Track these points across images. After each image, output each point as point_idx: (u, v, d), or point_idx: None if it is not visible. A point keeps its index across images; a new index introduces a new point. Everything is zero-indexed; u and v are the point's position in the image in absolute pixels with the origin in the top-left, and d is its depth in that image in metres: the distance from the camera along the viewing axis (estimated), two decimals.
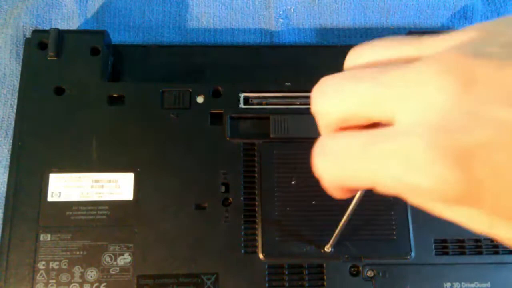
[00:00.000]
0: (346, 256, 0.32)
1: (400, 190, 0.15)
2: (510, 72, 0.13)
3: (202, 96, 0.35)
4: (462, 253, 0.33)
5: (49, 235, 0.32)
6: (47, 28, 0.37)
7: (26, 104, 0.34)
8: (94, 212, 0.33)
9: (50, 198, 0.33)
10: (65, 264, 0.31)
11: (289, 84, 0.36)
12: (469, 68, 0.13)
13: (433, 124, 0.13)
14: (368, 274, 0.32)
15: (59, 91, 0.35)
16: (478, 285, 0.32)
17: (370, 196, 0.33)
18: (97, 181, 0.33)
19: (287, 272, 0.32)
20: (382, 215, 0.33)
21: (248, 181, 0.33)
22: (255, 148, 0.34)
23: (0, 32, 0.41)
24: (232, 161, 0.34)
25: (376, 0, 0.42)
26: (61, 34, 0.36)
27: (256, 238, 0.32)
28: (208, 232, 0.32)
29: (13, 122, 0.35)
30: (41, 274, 0.31)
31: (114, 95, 0.35)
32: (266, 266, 0.32)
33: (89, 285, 0.31)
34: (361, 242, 0.32)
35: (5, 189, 0.33)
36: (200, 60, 0.38)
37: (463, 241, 0.33)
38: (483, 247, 0.33)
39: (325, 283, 0.32)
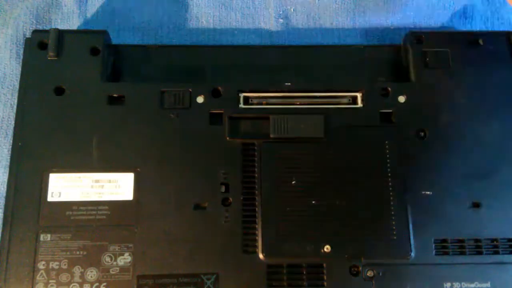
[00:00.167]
0: (346, 256, 0.32)
1: None
2: None
3: (202, 96, 0.35)
4: (462, 253, 0.33)
5: (49, 235, 0.32)
6: (47, 28, 0.37)
7: (26, 104, 0.34)
8: (94, 212, 0.33)
9: (50, 198, 0.33)
10: (65, 264, 0.32)
11: (289, 84, 0.36)
12: None
13: None
14: (368, 274, 0.32)
15: (59, 91, 0.35)
16: (478, 285, 0.32)
17: (370, 196, 0.33)
18: (97, 181, 0.33)
19: (287, 272, 0.32)
20: (382, 215, 0.33)
21: (248, 181, 0.34)
22: (255, 148, 0.34)
23: (0, 32, 0.41)
24: (232, 161, 0.34)
25: (376, 0, 0.42)
26: (61, 34, 0.36)
27: (256, 238, 0.32)
28: (208, 232, 0.32)
29: (13, 122, 0.35)
30: (41, 274, 0.31)
31: (114, 95, 0.35)
32: (266, 266, 0.32)
33: (89, 285, 0.31)
34: (361, 242, 0.32)
35: (5, 189, 0.33)
36: (200, 60, 0.38)
37: (463, 241, 0.33)
38: (483, 247, 0.33)
39: (325, 283, 0.32)
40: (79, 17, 0.41)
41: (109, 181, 0.33)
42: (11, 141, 0.35)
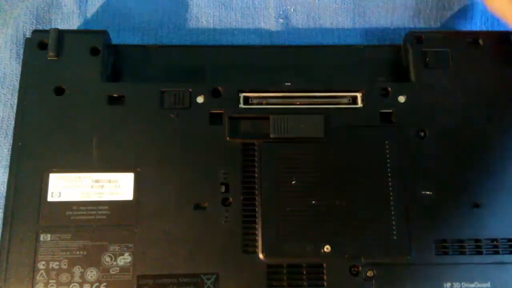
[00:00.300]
0: (346, 256, 0.32)
1: None
2: None
3: (202, 96, 0.35)
4: (462, 253, 0.33)
5: (49, 235, 0.32)
6: (47, 28, 0.37)
7: (26, 104, 0.34)
8: (94, 212, 0.33)
9: (50, 198, 0.33)
10: (65, 264, 0.32)
11: (289, 84, 0.36)
12: None
13: None
14: (368, 274, 0.32)
15: (59, 91, 0.35)
16: (478, 285, 0.32)
17: (370, 196, 0.33)
18: (97, 181, 0.33)
19: (287, 272, 0.32)
20: (382, 215, 0.33)
21: (248, 181, 0.34)
22: (255, 148, 0.34)
23: (0, 32, 0.41)
24: (232, 161, 0.34)
25: (376, 0, 0.42)
26: (61, 34, 0.36)
27: (256, 238, 0.32)
28: (208, 232, 0.32)
29: (13, 122, 0.35)
30: (41, 274, 0.31)
31: (114, 95, 0.35)
32: (266, 266, 0.32)
33: (89, 285, 0.31)
34: (361, 242, 0.32)
35: (5, 189, 0.33)
36: (200, 60, 0.38)
37: (463, 241, 0.33)
38: (483, 247, 0.33)
39: (325, 283, 0.32)
40: (79, 17, 0.41)
41: (109, 181, 0.33)
42: (11, 141, 0.35)
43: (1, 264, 0.31)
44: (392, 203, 0.33)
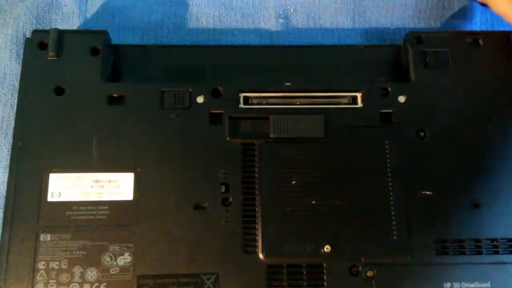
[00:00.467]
0: (346, 256, 0.32)
1: None
2: None
3: (202, 96, 0.35)
4: (462, 253, 0.33)
5: (49, 235, 0.32)
6: (47, 28, 0.37)
7: (26, 104, 0.34)
8: (94, 212, 0.33)
9: (50, 198, 0.33)
10: (65, 264, 0.32)
11: (289, 84, 0.36)
12: None
13: None
14: (368, 274, 0.32)
15: (59, 91, 0.35)
16: (478, 285, 0.32)
17: (370, 196, 0.33)
18: (97, 181, 0.33)
19: (287, 272, 0.32)
20: (382, 215, 0.33)
21: (248, 181, 0.34)
22: (255, 148, 0.34)
23: (0, 32, 0.41)
24: (232, 161, 0.34)
25: (376, 0, 0.42)
26: (61, 34, 0.36)
27: (256, 238, 0.32)
28: (208, 232, 0.32)
29: (13, 122, 0.35)
30: (41, 274, 0.31)
31: (114, 95, 0.35)
32: (266, 266, 0.32)
33: (89, 285, 0.31)
34: (361, 242, 0.32)
35: (5, 189, 0.33)
36: (200, 60, 0.38)
37: (463, 241, 0.33)
38: (483, 247, 0.33)
39: (325, 283, 0.32)
40: (79, 17, 0.41)
41: (109, 181, 0.33)
42: (11, 141, 0.35)
43: (1, 264, 0.31)
44: (392, 203, 0.33)
